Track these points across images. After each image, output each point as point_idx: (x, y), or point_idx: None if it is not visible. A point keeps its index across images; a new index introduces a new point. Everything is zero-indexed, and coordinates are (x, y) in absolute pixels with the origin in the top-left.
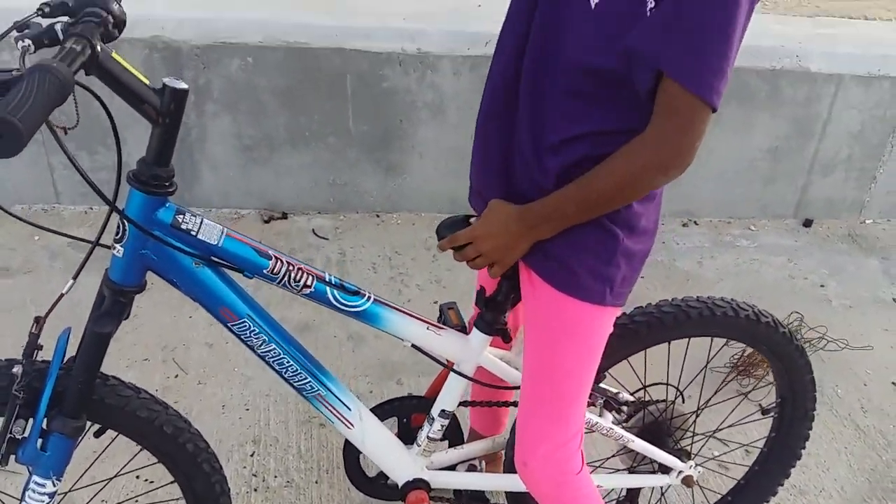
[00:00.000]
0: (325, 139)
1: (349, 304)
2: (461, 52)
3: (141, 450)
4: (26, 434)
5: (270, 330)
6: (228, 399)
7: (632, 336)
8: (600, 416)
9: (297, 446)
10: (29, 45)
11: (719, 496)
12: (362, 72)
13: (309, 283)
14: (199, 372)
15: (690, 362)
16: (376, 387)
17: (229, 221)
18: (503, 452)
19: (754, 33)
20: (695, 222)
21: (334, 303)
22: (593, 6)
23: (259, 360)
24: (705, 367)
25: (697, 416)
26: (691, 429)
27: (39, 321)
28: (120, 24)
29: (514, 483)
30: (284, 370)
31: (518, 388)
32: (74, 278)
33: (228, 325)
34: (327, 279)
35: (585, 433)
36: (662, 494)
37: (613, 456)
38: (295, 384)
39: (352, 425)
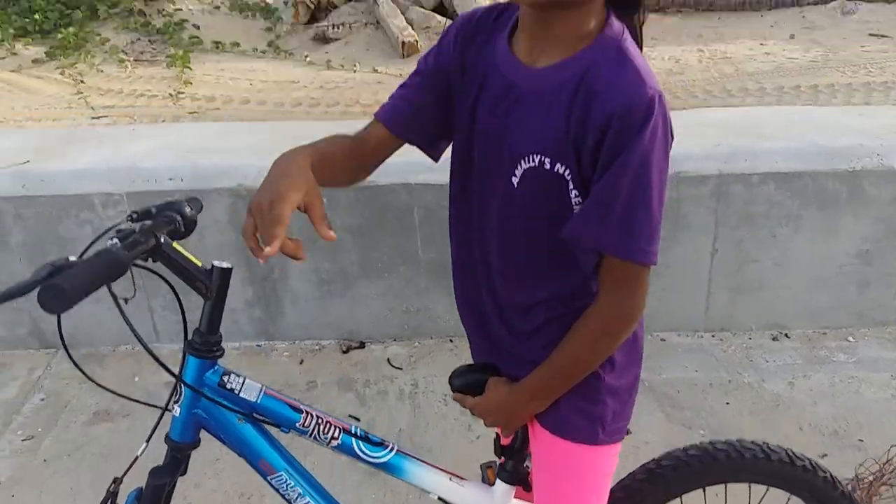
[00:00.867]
0: (396, 269)
1: (373, 455)
2: None
3: None
4: None
5: (306, 484)
6: None
7: (660, 482)
8: None
9: None
10: (116, 243)
11: None
12: (428, 203)
13: (336, 435)
14: None
15: None
16: None
17: (310, 353)
18: None
19: (831, 130)
20: (786, 335)
21: (359, 454)
22: (515, 185)
23: None
24: None
25: None
26: None
27: (116, 481)
28: (190, 223)
29: None
30: None
31: None
32: (147, 441)
33: (267, 477)
34: (353, 431)
35: None
36: None
37: None
38: None
39: None
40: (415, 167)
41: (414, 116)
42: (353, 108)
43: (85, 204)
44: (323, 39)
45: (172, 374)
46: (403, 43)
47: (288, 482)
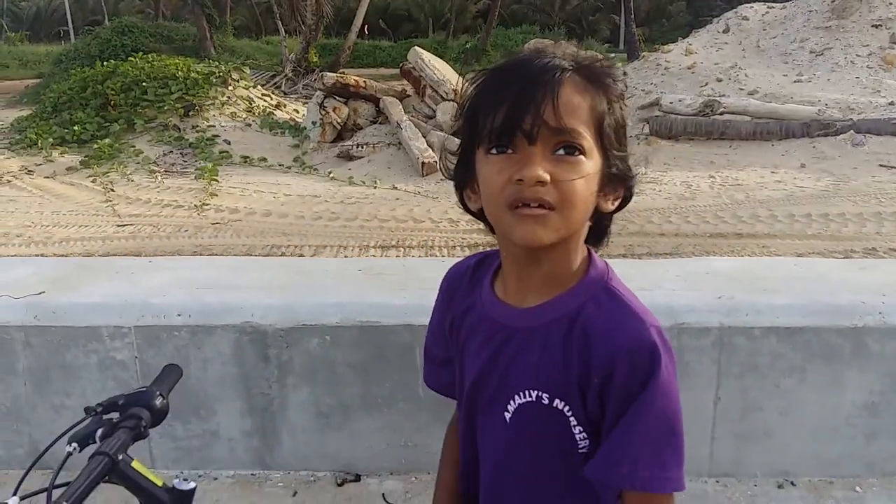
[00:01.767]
0: (396, 405)
1: None
2: None
3: None
4: None
5: None
6: None
7: None
8: None
9: None
10: (76, 448)
11: None
12: None
13: None
14: None
15: None
16: None
17: (305, 484)
18: None
19: (833, 286)
20: (791, 483)
21: None
22: (508, 421)
23: None
24: None
25: None
26: None
27: None
28: (161, 415)
29: None
30: None
31: None
32: None
33: None
34: None
35: None
36: None
37: None
38: None
39: None
40: (417, 309)
41: (442, 371)
42: (371, 222)
43: (94, 336)
44: (347, 157)
45: None
46: (423, 163)
47: None
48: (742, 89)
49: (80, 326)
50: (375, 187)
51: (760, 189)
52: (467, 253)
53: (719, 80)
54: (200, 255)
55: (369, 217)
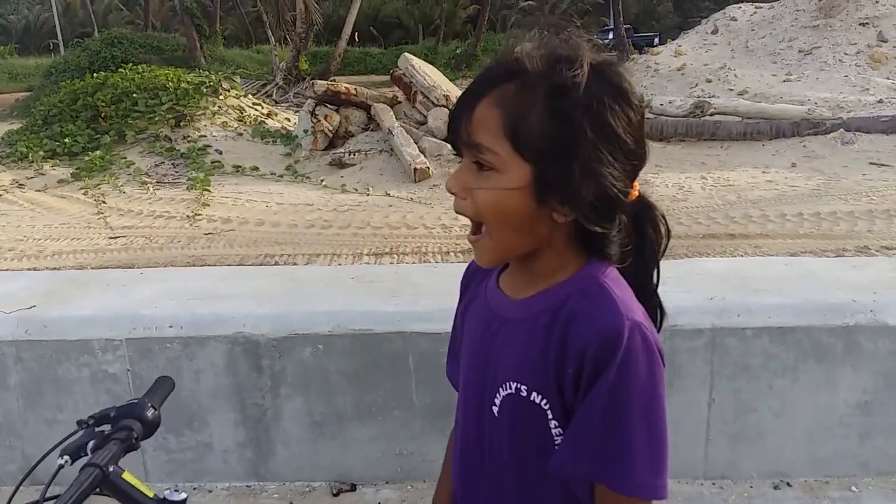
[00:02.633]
0: (390, 413)
1: None
2: None
3: None
4: None
5: None
6: None
7: None
8: None
9: None
10: (67, 461)
11: None
12: (424, 350)
13: None
14: None
15: None
16: None
17: (300, 495)
18: None
19: (824, 285)
20: (787, 483)
21: None
22: (496, 413)
23: None
24: None
25: None
26: None
27: None
28: (152, 427)
29: None
30: None
31: None
32: None
33: None
34: None
35: None
36: None
37: None
38: None
39: None
40: (409, 316)
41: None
42: (364, 229)
43: (85, 349)
44: (339, 165)
45: None
46: (416, 169)
47: None
48: (732, 90)
49: (72, 340)
50: (368, 194)
51: (752, 189)
52: (461, 258)
53: (709, 81)
54: (193, 265)
55: (362, 224)
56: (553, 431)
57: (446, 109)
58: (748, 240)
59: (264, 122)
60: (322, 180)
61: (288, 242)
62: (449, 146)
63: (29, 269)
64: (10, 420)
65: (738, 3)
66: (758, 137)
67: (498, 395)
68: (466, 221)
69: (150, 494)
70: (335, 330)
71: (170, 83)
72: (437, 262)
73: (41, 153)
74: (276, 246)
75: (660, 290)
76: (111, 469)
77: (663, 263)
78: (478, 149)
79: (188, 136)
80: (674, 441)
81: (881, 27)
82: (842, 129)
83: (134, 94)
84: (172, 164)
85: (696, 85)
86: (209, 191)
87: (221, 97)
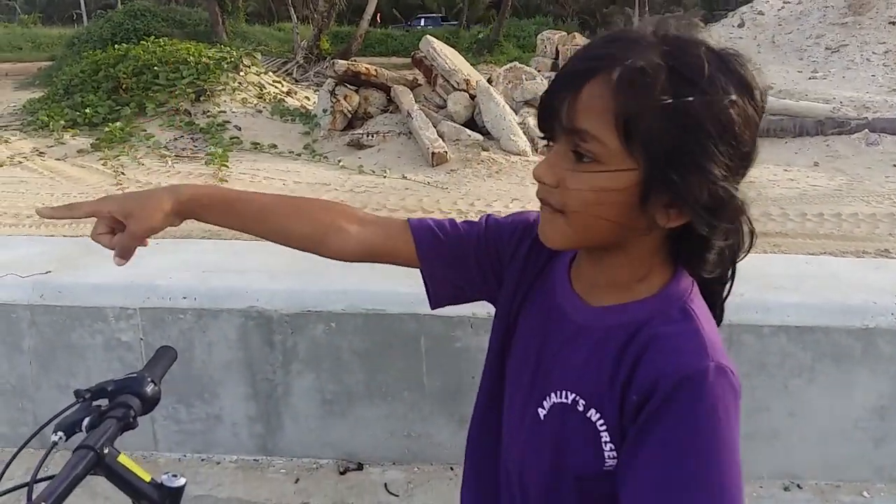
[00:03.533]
0: (400, 394)
1: None
2: None
3: None
4: None
5: None
6: None
7: None
8: None
9: None
10: (62, 437)
11: None
12: (436, 333)
13: None
14: None
15: None
16: None
17: (307, 472)
18: None
19: (844, 285)
20: (798, 485)
21: None
22: (542, 418)
23: None
24: None
25: None
26: None
27: None
28: (152, 403)
29: None
30: None
31: None
32: None
33: None
34: None
35: None
36: None
37: None
38: None
39: None
40: (423, 299)
41: (446, 260)
42: (379, 211)
43: (99, 316)
44: (357, 145)
45: None
46: (434, 153)
47: None
48: None
49: (86, 306)
50: (385, 176)
51: (772, 187)
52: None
53: None
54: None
55: (378, 206)
56: (607, 454)
57: (466, 94)
58: (767, 238)
59: (284, 101)
60: (339, 160)
61: None
62: (468, 131)
63: (46, 236)
64: (24, 383)
65: None
66: (781, 135)
67: (547, 400)
68: (482, 207)
69: (147, 479)
70: (348, 309)
71: (191, 57)
72: None
73: (62, 122)
74: None
75: None
76: (107, 451)
77: None
78: (580, 136)
79: (208, 111)
80: None
81: None
82: (866, 130)
83: (155, 67)
84: (191, 138)
85: None
86: (227, 166)
87: (242, 73)
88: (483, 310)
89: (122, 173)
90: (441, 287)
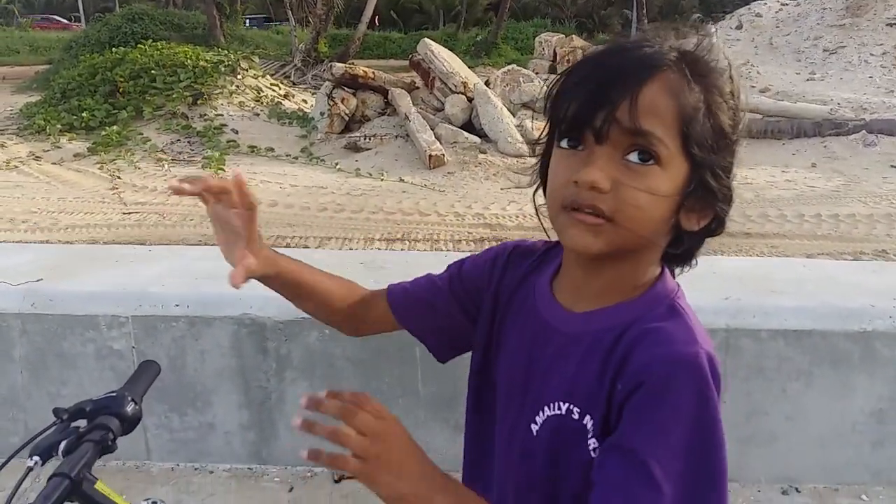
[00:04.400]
0: (395, 401)
1: None
2: None
3: None
4: None
5: None
6: None
7: None
8: None
9: None
10: (37, 462)
11: None
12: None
13: None
14: None
15: None
16: None
17: (301, 480)
18: None
19: (843, 289)
20: (796, 489)
21: None
22: (535, 433)
23: None
24: None
25: None
26: None
27: None
28: (132, 424)
29: None
30: None
31: None
32: None
33: None
34: None
35: None
36: None
37: None
38: None
39: None
40: None
41: (425, 312)
42: (376, 214)
43: (91, 324)
44: (354, 148)
45: None
46: (431, 156)
47: None
48: (753, 87)
49: (78, 315)
50: (382, 179)
51: (770, 188)
52: (473, 247)
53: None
54: (205, 244)
55: (375, 209)
56: (591, 449)
57: (464, 96)
58: (764, 239)
59: (281, 104)
60: (336, 164)
61: (300, 225)
62: (465, 133)
63: (41, 242)
64: (14, 393)
65: None
66: (778, 136)
67: (541, 414)
68: (479, 210)
69: None
70: None
71: (188, 61)
72: (448, 251)
73: (58, 126)
74: (287, 228)
75: None
76: (83, 477)
77: None
78: (645, 137)
79: (205, 115)
80: None
81: None
82: (864, 131)
83: (152, 71)
84: (188, 141)
85: None
86: (224, 170)
87: (239, 77)
88: None
89: (119, 177)
90: (431, 336)
